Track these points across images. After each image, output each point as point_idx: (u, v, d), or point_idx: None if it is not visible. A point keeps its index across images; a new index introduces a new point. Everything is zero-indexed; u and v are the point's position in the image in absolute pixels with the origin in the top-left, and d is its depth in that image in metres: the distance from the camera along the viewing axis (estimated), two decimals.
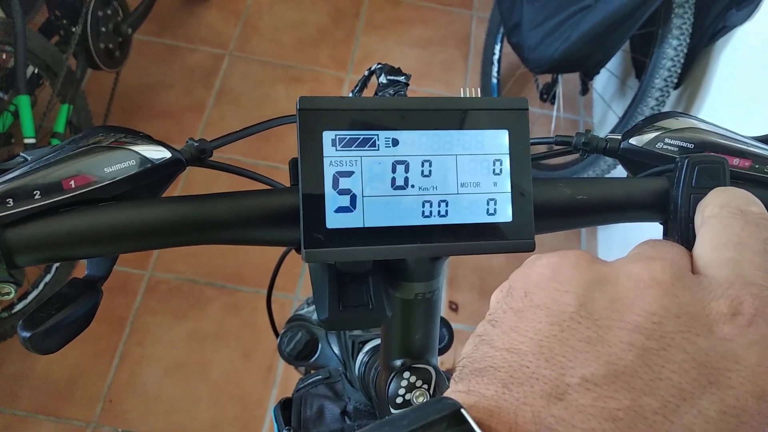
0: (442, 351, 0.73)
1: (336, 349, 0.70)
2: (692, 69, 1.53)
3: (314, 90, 2.17)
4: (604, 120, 2.07)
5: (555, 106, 1.91)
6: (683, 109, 1.55)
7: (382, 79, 0.52)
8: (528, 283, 0.24)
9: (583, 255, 0.25)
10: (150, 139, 0.40)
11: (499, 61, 2.09)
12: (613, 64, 1.87)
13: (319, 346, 0.76)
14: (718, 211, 0.26)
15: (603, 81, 2.10)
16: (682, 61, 1.46)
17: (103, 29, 1.74)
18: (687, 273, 0.23)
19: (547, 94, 1.92)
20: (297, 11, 2.37)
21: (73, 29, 1.61)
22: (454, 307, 1.80)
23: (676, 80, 1.48)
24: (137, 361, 1.64)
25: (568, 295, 0.23)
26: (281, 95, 2.14)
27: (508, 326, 0.23)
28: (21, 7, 1.31)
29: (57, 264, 1.55)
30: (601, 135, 0.44)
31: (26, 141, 1.37)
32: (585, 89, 1.92)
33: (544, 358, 0.21)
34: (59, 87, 1.51)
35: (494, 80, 2.10)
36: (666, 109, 1.55)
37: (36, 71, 1.50)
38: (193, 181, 1.87)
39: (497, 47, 2.07)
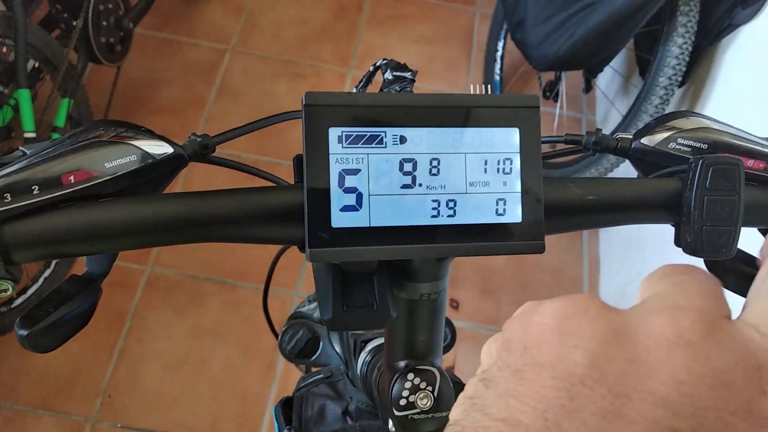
0: (445, 350, 0.72)
1: (338, 348, 0.70)
2: (697, 67, 1.52)
3: (316, 86, 2.16)
4: (608, 118, 2.06)
5: (558, 104, 1.90)
6: (688, 107, 1.54)
7: (388, 75, 0.51)
8: (527, 336, 0.21)
9: (594, 301, 0.21)
10: (152, 134, 0.40)
11: (502, 58, 2.07)
12: (617, 61, 1.86)
13: (321, 344, 0.75)
14: None
15: (606, 79, 2.09)
16: (687, 59, 1.45)
17: (105, 23, 1.73)
18: (723, 326, 0.19)
19: (550, 92, 1.91)
20: (299, 7, 2.35)
21: (74, 23, 1.60)
22: (455, 304, 1.80)
23: (680, 78, 1.47)
24: (137, 356, 1.64)
25: (577, 352, 0.19)
26: (283, 91, 2.13)
27: (504, 389, 0.20)
28: (22, 1, 1.30)
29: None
30: (605, 133, 0.43)
31: (26, 135, 1.36)
32: (588, 87, 1.91)
33: None
34: (60, 81, 1.50)
35: (497, 77, 2.09)
36: (671, 107, 1.54)
37: (37, 65, 1.49)
38: (194, 177, 1.87)
39: (500, 44, 2.06)
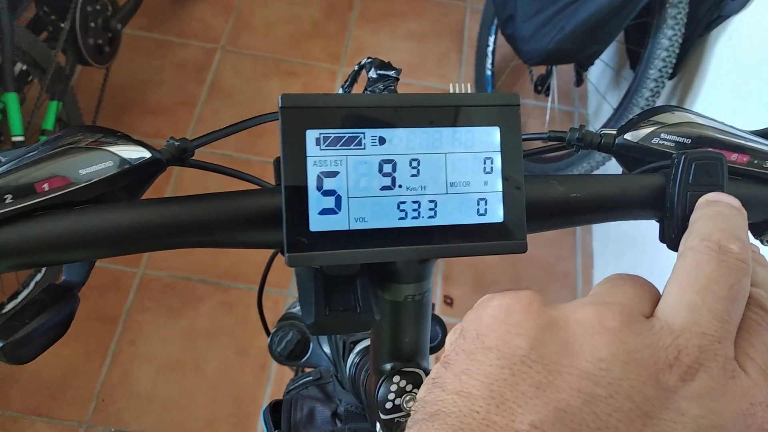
0: (435, 349, 0.72)
1: (327, 350, 0.69)
2: (687, 59, 1.52)
3: (307, 84, 2.15)
4: (599, 111, 2.06)
5: (549, 98, 1.90)
6: (679, 99, 1.54)
7: (372, 74, 0.50)
8: (480, 325, 0.24)
9: (536, 297, 0.24)
10: (129, 139, 0.39)
11: (493, 53, 2.07)
12: (608, 54, 1.86)
13: (311, 345, 0.75)
14: (698, 244, 0.25)
15: (598, 72, 2.09)
16: (677, 51, 1.45)
17: (92, 25, 1.71)
18: (640, 318, 0.23)
19: (542, 86, 1.91)
20: (289, 5, 2.34)
21: (62, 25, 1.59)
22: (449, 301, 1.79)
23: (671, 71, 1.47)
24: (130, 359, 1.63)
25: (519, 338, 0.23)
26: (274, 89, 2.12)
27: (459, 369, 0.23)
28: (8, 3, 1.29)
29: None
30: (597, 126, 0.43)
31: (14, 139, 1.35)
32: (580, 80, 1.91)
33: (494, 403, 0.21)
34: (48, 84, 1.49)
35: (488, 72, 2.08)
36: (661, 99, 1.54)
37: (24, 68, 1.48)
38: (184, 181, 1.86)
39: (491, 39, 2.05)
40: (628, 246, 1.71)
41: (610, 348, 0.21)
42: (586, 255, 1.91)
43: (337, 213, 0.33)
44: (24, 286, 1.55)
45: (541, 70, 1.90)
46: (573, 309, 0.24)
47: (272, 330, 0.77)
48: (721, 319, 0.22)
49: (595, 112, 2.12)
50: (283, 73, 2.17)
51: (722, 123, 0.39)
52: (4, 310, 1.49)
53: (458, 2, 2.45)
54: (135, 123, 1.99)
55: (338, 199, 0.33)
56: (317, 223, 0.33)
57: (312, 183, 0.33)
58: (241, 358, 1.66)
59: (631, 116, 1.54)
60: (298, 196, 0.33)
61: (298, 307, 0.89)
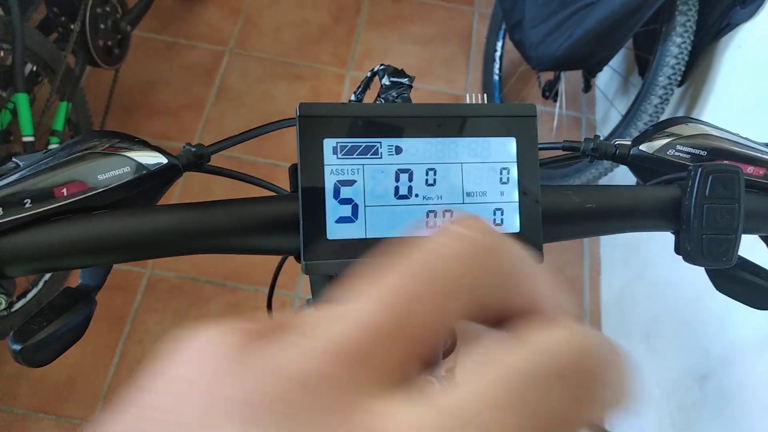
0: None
1: None
2: (696, 66, 1.52)
3: (315, 87, 2.15)
4: (607, 117, 2.06)
5: (557, 104, 1.90)
6: (687, 107, 1.54)
7: (385, 81, 0.50)
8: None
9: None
10: (146, 145, 0.39)
11: (500, 58, 2.07)
12: (616, 61, 1.86)
13: None
14: None
15: (606, 78, 2.09)
16: (686, 58, 1.45)
17: (102, 26, 1.72)
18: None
19: (549, 92, 1.91)
20: (297, 8, 2.35)
21: (72, 26, 1.59)
22: None
23: (680, 78, 1.47)
24: (137, 359, 1.63)
25: None
26: (282, 92, 2.13)
27: None
28: (19, 4, 1.29)
29: None
30: (605, 132, 0.43)
31: (25, 139, 1.35)
32: (587, 87, 1.90)
33: None
34: (58, 85, 1.49)
35: (496, 77, 2.08)
36: (670, 107, 1.54)
37: (34, 69, 1.48)
38: (191, 185, 1.86)
39: (499, 44, 2.05)
40: (634, 253, 1.71)
41: None
42: (594, 261, 1.91)
43: (353, 221, 0.33)
44: (33, 285, 1.56)
45: (549, 75, 1.90)
46: None
47: None
48: None
49: (603, 119, 2.11)
50: (290, 76, 2.18)
51: (737, 135, 0.39)
52: (14, 309, 1.50)
53: (466, 7, 2.45)
54: (142, 124, 2.00)
55: (355, 208, 0.33)
56: (334, 231, 0.33)
57: (329, 191, 0.33)
58: None
59: (639, 123, 1.54)
60: (315, 204, 0.33)
61: (308, 310, 0.89)
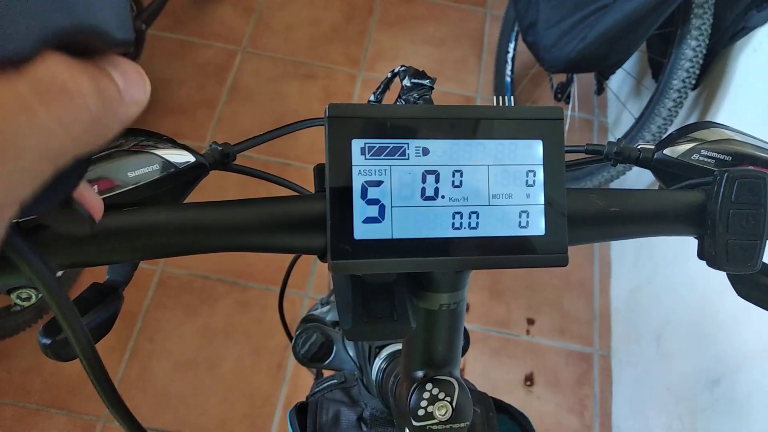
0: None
1: (352, 353, 0.70)
2: (711, 70, 1.51)
3: (327, 87, 2.16)
4: (619, 120, 2.05)
5: (569, 106, 1.90)
6: (701, 110, 1.53)
7: (406, 82, 0.51)
8: None
9: None
10: (173, 143, 0.40)
11: (512, 59, 2.07)
12: (629, 64, 1.85)
13: (335, 348, 0.75)
14: None
15: (618, 81, 2.08)
16: (701, 62, 1.44)
17: None
18: None
19: (562, 94, 1.91)
20: (310, 8, 2.36)
21: None
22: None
23: (694, 81, 1.46)
24: (148, 356, 1.64)
25: None
26: (294, 91, 2.14)
27: None
28: None
29: None
30: (617, 135, 0.43)
31: None
32: (600, 89, 1.90)
33: None
34: None
35: (508, 79, 2.08)
36: (684, 110, 1.53)
37: None
38: (206, 183, 1.87)
39: (511, 45, 2.05)
40: (645, 256, 1.70)
41: None
42: (604, 264, 1.91)
43: (380, 222, 0.33)
44: None
45: (562, 77, 1.89)
46: None
47: (292, 330, 0.78)
48: None
49: (615, 122, 2.11)
50: (302, 75, 2.18)
51: (761, 140, 0.39)
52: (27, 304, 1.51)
53: (478, 8, 2.45)
54: (156, 122, 2.01)
55: (382, 208, 0.34)
56: (361, 231, 0.33)
57: (357, 191, 0.33)
58: (257, 357, 1.67)
59: (653, 126, 1.53)
60: (342, 204, 0.33)
61: (320, 309, 0.89)
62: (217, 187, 1.84)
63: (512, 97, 2.08)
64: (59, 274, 1.28)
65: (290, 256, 0.86)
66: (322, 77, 2.19)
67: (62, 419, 1.54)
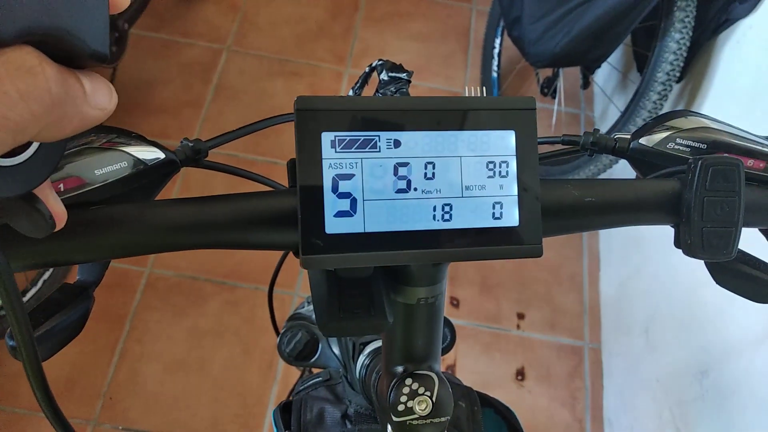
0: (445, 351, 0.72)
1: (336, 351, 0.69)
2: (695, 62, 1.51)
3: (313, 84, 2.15)
4: (606, 114, 2.06)
5: (556, 100, 1.90)
6: (686, 103, 1.54)
7: (384, 76, 0.50)
8: None
9: None
10: (143, 140, 0.39)
11: (499, 55, 2.07)
12: (615, 57, 1.86)
13: (320, 346, 0.75)
14: None
15: (604, 75, 2.09)
16: (685, 54, 1.45)
17: None
18: None
19: (548, 88, 1.91)
20: (295, 5, 2.35)
21: None
22: (455, 303, 1.79)
23: (678, 74, 1.47)
24: (137, 358, 1.63)
25: None
26: (280, 90, 2.13)
27: None
28: None
29: None
30: (604, 129, 0.43)
31: None
32: (586, 83, 1.90)
33: None
34: None
35: (494, 74, 2.08)
36: (669, 103, 1.54)
37: None
38: (191, 180, 1.86)
39: (497, 41, 2.05)
40: (633, 248, 1.71)
41: None
42: (593, 257, 1.91)
43: (352, 215, 0.33)
44: (32, 284, 1.56)
45: (548, 72, 1.89)
46: None
47: (281, 330, 0.78)
48: None
49: (602, 115, 2.11)
50: (288, 73, 2.17)
51: (737, 128, 0.39)
52: None
53: (464, 4, 2.44)
54: (141, 123, 1.99)
55: (353, 202, 0.33)
56: (333, 225, 0.33)
57: (327, 185, 0.33)
58: (248, 357, 1.66)
59: (638, 119, 1.54)
60: (313, 198, 0.33)
61: (307, 307, 0.89)
62: (203, 185, 1.83)
63: (499, 92, 2.08)
64: (47, 275, 1.25)
65: (278, 255, 0.86)
66: (308, 75, 2.18)
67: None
